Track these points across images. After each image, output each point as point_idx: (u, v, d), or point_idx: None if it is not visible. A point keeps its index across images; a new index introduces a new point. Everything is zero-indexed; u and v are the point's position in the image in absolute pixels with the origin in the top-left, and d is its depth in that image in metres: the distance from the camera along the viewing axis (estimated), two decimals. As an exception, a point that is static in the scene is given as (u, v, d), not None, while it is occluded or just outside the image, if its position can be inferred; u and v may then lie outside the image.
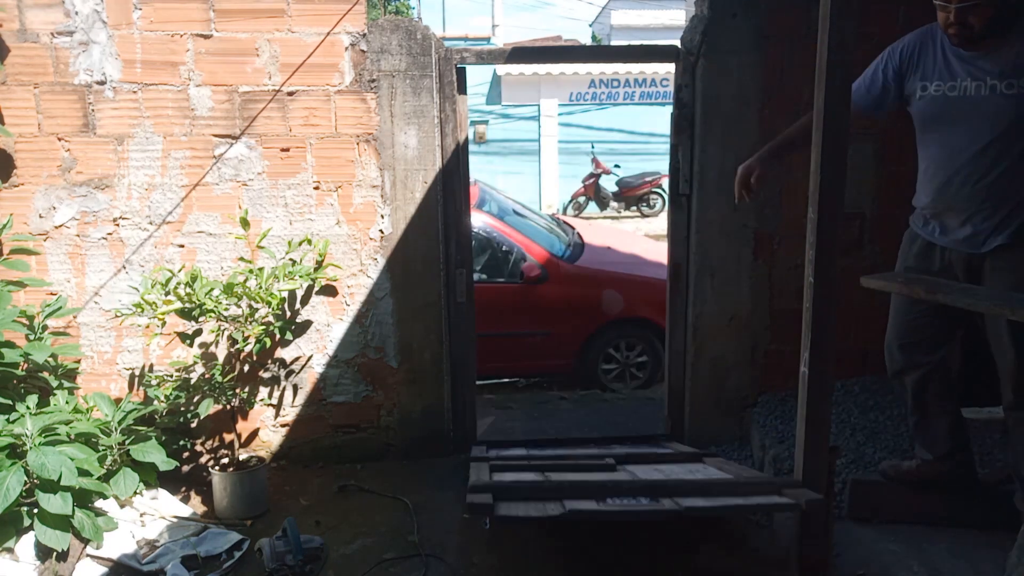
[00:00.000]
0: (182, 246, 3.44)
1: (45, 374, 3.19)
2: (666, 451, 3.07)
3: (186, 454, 3.49)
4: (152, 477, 3.08)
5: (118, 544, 2.84)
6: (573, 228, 6.37)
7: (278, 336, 3.35)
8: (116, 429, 3.01)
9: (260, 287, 3.21)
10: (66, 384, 3.25)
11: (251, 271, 3.27)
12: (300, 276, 3.29)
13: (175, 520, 3.09)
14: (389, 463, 3.64)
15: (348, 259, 3.49)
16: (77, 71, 3.27)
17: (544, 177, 15.30)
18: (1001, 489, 2.77)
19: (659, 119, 14.18)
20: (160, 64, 3.29)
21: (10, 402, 2.87)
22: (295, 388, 3.58)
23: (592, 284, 5.21)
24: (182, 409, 3.30)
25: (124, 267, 3.43)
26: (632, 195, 14.29)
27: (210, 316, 3.13)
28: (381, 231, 3.47)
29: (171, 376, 3.32)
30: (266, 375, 3.56)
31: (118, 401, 3.16)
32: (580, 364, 5.20)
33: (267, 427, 3.61)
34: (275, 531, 2.89)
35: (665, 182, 12.30)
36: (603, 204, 14.43)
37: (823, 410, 2.07)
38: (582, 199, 14.43)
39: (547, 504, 2.36)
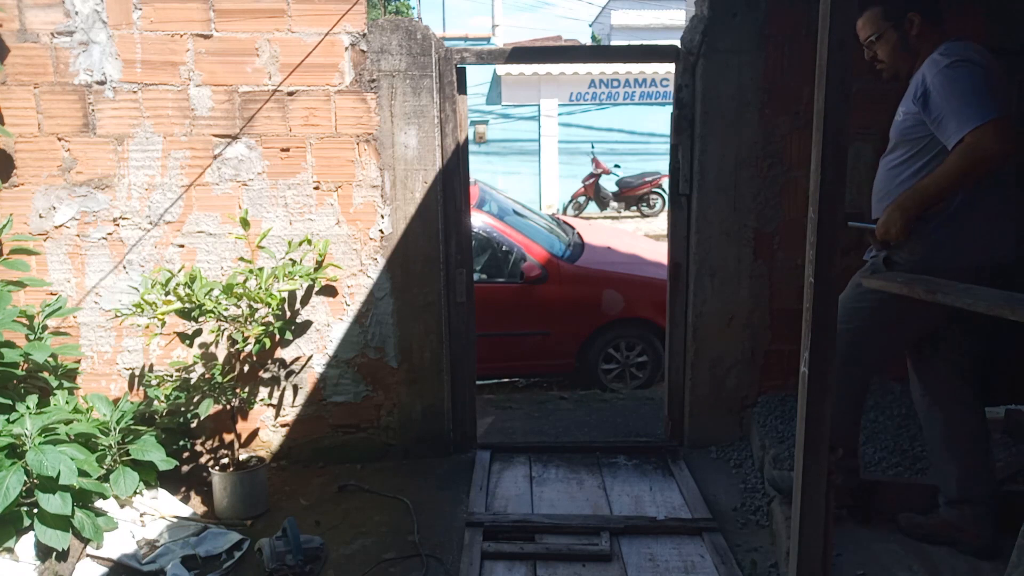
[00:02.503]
0: (182, 246, 3.44)
1: (45, 374, 3.19)
2: (664, 521, 3.03)
3: (186, 454, 3.49)
4: (152, 477, 3.08)
5: (118, 544, 2.84)
6: (573, 228, 6.36)
7: (278, 336, 3.35)
8: (115, 429, 3.01)
9: (260, 287, 3.21)
10: (66, 384, 3.25)
11: (251, 271, 3.27)
12: (300, 276, 3.29)
13: (175, 520, 3.09)
14: (389, 463, 3.64)
15: (348, 259, 3.49)
16: (77, 71, 3.27)
17: (544, 177, 15.30)
18: (1001, 489, 2.76)
19: (659, 119, 14.19)
20: (160, 64, 3.29)
21: (10, 402, 2.87)
22: (295, 388, 3.58)
23: (592, 284, 5.21)
24: (182, 409, 3.30)
25: (124, 267, 3.43)
26: (632, 195, 14.29)
27: (210, 316, 3.13)
28: (381, 231, 3.47)
29: (171, 376, 3.32)
30: (266, 375, 3.56)
31: (117, 401, 3.16)
32: (580, 364, 5.20)
33: (267, 427, 3.61)
34: (275, 531, 2.89)
35: (665, 182, 12.31)
36: (603, 204, 14.43)
37: (823, 410, 2.07)
38: (582, 199, 14.43)
39: None
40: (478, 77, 14.66)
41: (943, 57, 2.31)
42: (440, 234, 3.51)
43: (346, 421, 3.63)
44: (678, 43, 3.57)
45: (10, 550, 2.67)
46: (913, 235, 2.37)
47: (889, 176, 2.50)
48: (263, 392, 3.56)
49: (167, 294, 3.12)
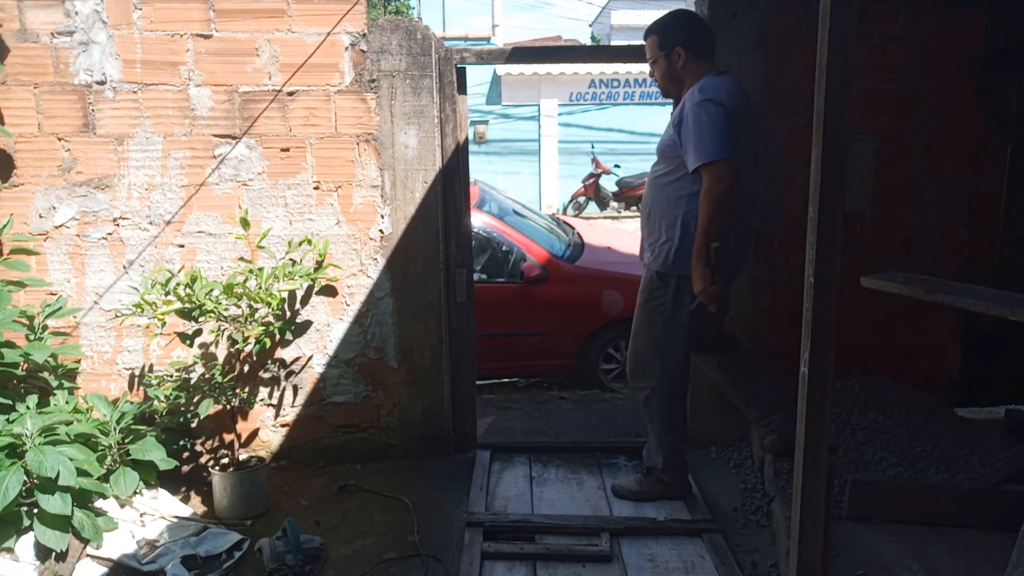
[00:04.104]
0: (182, 246, 3.43)
1: (45, 374, 3.19)
2: (664, 522, 3.04)
3: (186, 454, 3.49)
4: (152, 477, 3.08)
5: (118, 544, 2.84)
6: (573, 228, 6.36)
7: (278, 336, 3.35)
8: (115, 429, 3.01)
9: (260, 287, 3.21)
10: (66, 384, 3.25)
11: (251, 271, 3.27)
12: (300, 276, 3.29)
13: (175, 520, 3.09)
14: (389, 463, 3.64)
15: (348, 259, 3.49)
16: (77, 71, 3.27)
17: (544, 177, 15.30)
18: (1001, 489, 2.77)
19: (659, 119, 14.19)
20: (160, 64, 3.29)
21: (10, 402, 2.87)
22: (295, 388, 3.58)
23: (592, 284, 5.21)
24: (182, 409, 3.30)
25: (124, 267, 3.43)
26: (632, 195, 14.28)
27: (210, 316, 3.13)
28: (381, 231, 3.47)
29: (171, 376, 3.32)
30: (266, 375, 3.56)
31: (117, 401, 3.16)
32: (580, 364, 5.20)
33: (267, 427, 3.61)
34: (275, 531, 2.89)
35: (665, 182, 12.28)
36: (603, 204, 14.42)
37: (823, 410, 2.07)
38: (582, 199, 14.42)
39: None
40: (478, 77, 14.65)
41: (699, 93, 2.76)
42: (440, 234, 3.51)
43: (346, 421, 3.63)
44: (678, 43, 3.56)
45: (10, 550, 2.67)
46: (666, 254, 2.93)
47: (652, 187, 3.00)
48: (263, 392, 3.56)
49: (167, 294, 3.12)
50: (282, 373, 3.57)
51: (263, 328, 3.25)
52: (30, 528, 2.68)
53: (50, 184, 3.35)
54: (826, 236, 1.93)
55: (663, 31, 2.95)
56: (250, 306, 3.24)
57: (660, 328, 3.01)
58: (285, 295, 3.37)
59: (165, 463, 3.04)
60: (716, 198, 2.71)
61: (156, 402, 3.24)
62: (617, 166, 14.63)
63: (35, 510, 2.65)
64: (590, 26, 25.44)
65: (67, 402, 3.07)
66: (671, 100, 3.05)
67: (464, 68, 3.51)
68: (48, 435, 2.75)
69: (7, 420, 2.76)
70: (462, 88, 3.51)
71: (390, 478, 3.49)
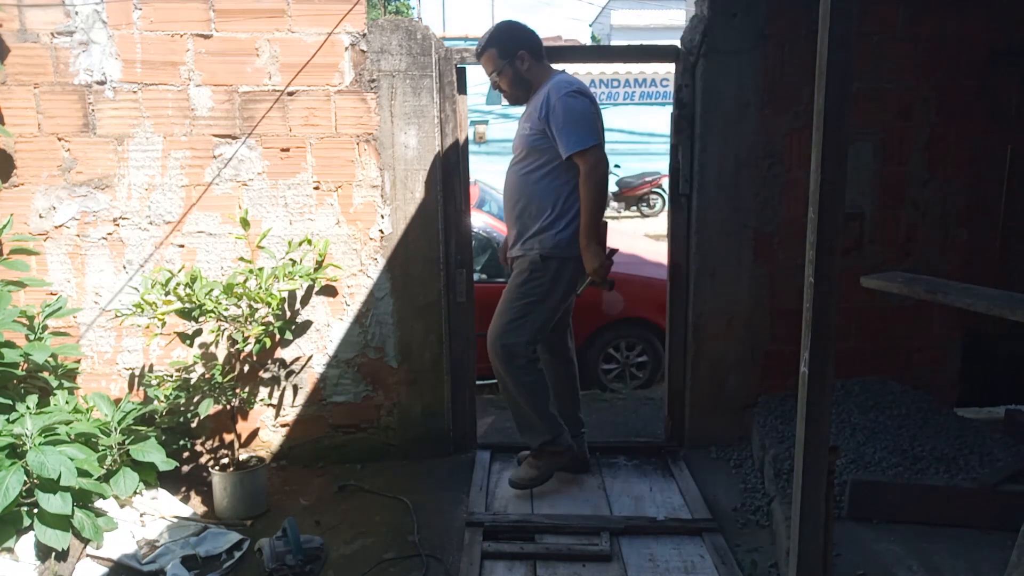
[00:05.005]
0: (182, 246, 3.43)
1: (45, 374, 3.19)
2: (664, 521, 3.03)
3: (186, 454, 3.49)
4: (152, 477, 3.08)
5: (118, 544, 2.85)
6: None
7: (278, 336, 3.35)
8: (116, 429, 3.01)
9: (260, 287, 3.21)
10: (66, 384, 3.25)
11: (251, 271, 3.27)
12: (300, 276, 3.29)
13: (175, 520, 3.09)
14: (389, 463, 3.64)
15: (348, 259, 3.49)
16: (77, 71, 3.27)
17: (544, 177, 15.27)
18: (1001, 489, 2.77)
19: (659, 119, 14.16)
20: (160, 64, 3.29)
21: (10, 402, 2.87)
22: (295, 388, 3.58)
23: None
24: (182, 409, 3.30)
25: (124, 267, 3.43)
26: (632, 195, 14.27)
27: (210, 316, 3.13)
28: (381, 231, 3.47)
29: (171, 376, 3.32)
30: (266, 375, 3.56)
31: (118, 401, 3.16)
32: (580, 364, 5.18)
33: (267, 427, 3.61)
34: (275, 531, 2.89)
35: (665, 182, 12.28)
36: (603, 204, 14.39)
37: (823, 410, 2.07)
38: (582, 199, 14.40)
39: None
40: (478, 77, 14.58)
41: (567, 85, 2.96)
42: (440, 234, 3.51)
43: (346, 421, 3.63)
44: (678, 43, 3.57)
45: (10, 550, 2.67)
46: (547, 239, 3.05)
47: (523, 181, 3.09)
48: (263, 392, 3.56)
49: (167, 294, 3.12)
50: (282, 373, 3.57)
51: (263, 328, 3.25)
52: (30, 528, 2.68)
53: (50, 184, 3.35)
54: (826, 236, 1.93)
55: (499, 42, 3.10)
56: (250, 306, 3.24)
57: (534, 306, 3.12)
58: (285, 295, 3.37)
59: (165, 464, 3.04)
60: (598, 180, 2.95)
61: (156, 402, 3.24)
62: (617, 166, 14.58)
63: (35, 510, 2.65)
64: (590, 26, 25.45)
65: (67, 402, 3.07)
66: (523, 105, 3.20)
67: (464, 68, 3.51)
68: (48, 435, 2.75)
69: (7, 420, 2.76)
70: (462, 88, 3.51)
71: (390, 478, 3.49)
